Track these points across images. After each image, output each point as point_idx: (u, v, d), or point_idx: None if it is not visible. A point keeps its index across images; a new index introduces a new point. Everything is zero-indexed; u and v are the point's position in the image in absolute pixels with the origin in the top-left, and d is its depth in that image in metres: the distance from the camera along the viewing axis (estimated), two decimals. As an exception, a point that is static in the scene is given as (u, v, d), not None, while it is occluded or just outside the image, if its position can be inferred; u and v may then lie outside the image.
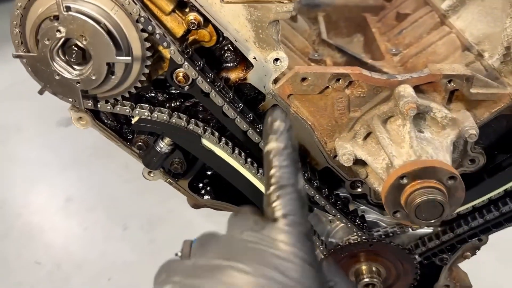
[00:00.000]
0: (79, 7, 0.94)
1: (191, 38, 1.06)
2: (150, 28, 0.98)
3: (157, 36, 0.99)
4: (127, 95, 1.08)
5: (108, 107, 1.10)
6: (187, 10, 1.03)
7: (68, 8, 0.93)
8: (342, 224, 1.32)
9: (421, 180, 1.01)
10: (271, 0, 1.00)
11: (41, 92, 1.04)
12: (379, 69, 1.40)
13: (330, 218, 1.34)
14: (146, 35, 0.99)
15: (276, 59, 1.06)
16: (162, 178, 1.26)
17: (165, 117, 1.11)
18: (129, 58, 0.98)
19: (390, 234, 1.34)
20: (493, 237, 1.38)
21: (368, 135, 1.15)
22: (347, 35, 1.74)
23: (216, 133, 1.16)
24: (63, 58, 0.99)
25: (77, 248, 3.05)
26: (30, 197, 3.42)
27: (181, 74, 1.05)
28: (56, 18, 0.94)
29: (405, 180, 1.02)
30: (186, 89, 1.08)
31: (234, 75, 1.12)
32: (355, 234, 1.31)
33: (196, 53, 1.06)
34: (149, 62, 1.02)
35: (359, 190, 1.26)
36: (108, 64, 0.98)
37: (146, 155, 1.18)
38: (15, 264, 2.93)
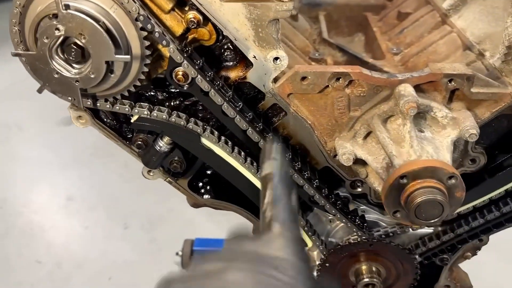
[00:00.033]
0: (78, 6, 0.94)
1: (190, 37, 1.06)
2: (149, 26, 0.98)
3: (156, 34, 0.99)
4: (126, 93, 1.08)
5: (107, 106, 1.10)
6: (186, 8, 1.03)
7: (67, 7, 0.93)
8: (342, 224, 1.32)
9: (421, 180, 1.01)
10: (270, -2, 1.00)
11: (40, 91, 1.04)
12: (380, 68, 1.39)
13: (330, 217, 1.34)
14: (145, 33, 0.99)
15: (276, 58, 1.06)
16: (162, 177, 1.25)
17: (164, 116, 1.11)
18: (128, 56, 0.98)
19: (390, 234, 1.33)
20: (494, 238, 1.38)
21: (368, 134, 1.15)
22: (348, 34, 1.74)
23: (216, 132, 1.15)
24: (62, 56, 0.99)
25: (78, 247, 3.05)
26: (31, 196, 3.41)
27: (180, 73, 1.05)
28: (55, 16, 0.94)
29: (405, 180, 1.02)
30: (185, 88, 1.08)
31: (233, 74, 1.11)
32: (355, 234, 1.31)
33: (196, 52, 1.06)
34: (148, 61, 1.02)
35: (359, 189, 1.26)
36: (107, 62, 0.98)
37: (145, 154, 1.17)
38: (16, 263, 2.92)
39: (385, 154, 1.09)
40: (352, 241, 1.30)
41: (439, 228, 1.36)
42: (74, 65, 1.00)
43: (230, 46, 1.09)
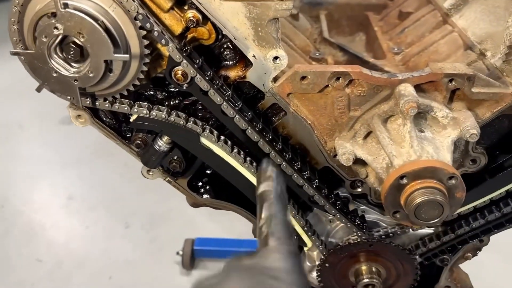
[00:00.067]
0: (76, 4, 0.94)
1: (190, 36, 1.06)
2: (148, 25, 0.97)
3: (156, 33, 0.98)
4: (125, 93, 1.07)
5: (107, 105, 1.09)
6: (186, 7, 1.02)
7: (66, 5, 0.93)
8: (342, 224, 1.31)
9: (421, 180, 1.01)
10: (270, -3, 0.99)
11: (39, 90, 1.04)
12: (381, 68, 1.39)
13: (330, 218, 1.33)
14: (144, 32, 0.98)
15: (276, 57, 1.06)
16: (161, 177, 1.25)
17: (163, 115, 1.10)
18: (127, 55, 0.97)
19: (391, 234, 1.32)
20: (495, 238, 1.37)
21: (368, 134, 1.14)
22: (349, 33, 1.74)
23: (215, 132, 1.15)
24: (60, 55, 0.99)
25: (79, 246, 3.05)
26: (32, 195, 3.42)
27: (179, 72, 1.04)
28: (54, 15, 0.94)
29: (405, 180, 1.02)
30: (184, 87, 1.07)
31: (233, 73, 1.11)
32: (355, 234, 1.30)
33: (195, 51, 1.05)
34: (147, 60, 1.02)
35: (359, 190, 1.25)
36: (105, 61, 0.98)
37: (144, 153, 1.17)
38: (17, 262, 2.93)
39: (385, 154, 1.09)
40: (352, 242, 1.30)
41: (440, 229, 1.35)
42: (72, 64, 1.00)
43: (230, 45, 1.08)
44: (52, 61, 0.99)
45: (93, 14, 0.94)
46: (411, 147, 1.05)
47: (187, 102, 1.16)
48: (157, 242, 3.04)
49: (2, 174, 3.55)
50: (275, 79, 1.09)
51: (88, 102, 1.08)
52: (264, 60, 1.06)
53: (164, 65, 1.06)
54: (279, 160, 1.15)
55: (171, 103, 1.15)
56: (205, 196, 1.29)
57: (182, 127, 1.12)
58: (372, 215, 1.34)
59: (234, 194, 1.26)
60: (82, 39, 0.95)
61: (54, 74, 1.00)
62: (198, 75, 1.04)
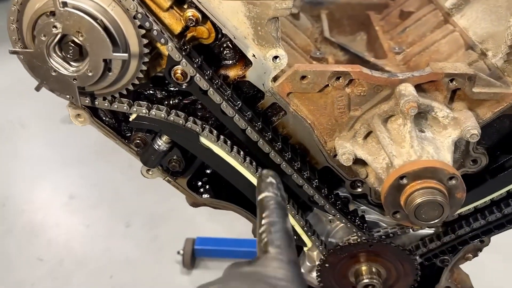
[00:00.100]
0: (75, 3, 0.93)
1: (189, 35, 1.05)
2: (147, 24, 0.97)
3: (155, 32, 0.98)
4: (124, 92, 1.07)
5: (106, 104, 1.09)
6: (185, 6, 1.02)
7: (65, 4, 0.92)
8: (342, 224, 1.31)
9: (421, 181, 1.00)
10: (270, -4, 0.99)
11: (37, 89, 1.04)
12: (382, 68, 1.39)
13: (330, 218, 1.33)
14: (143, 31, 0.98)
15: (276, 57, 1.05)
16: (161, 176, 1.25)
17: (163, 115, 1.10)
18: (126, 54, 0.97)
19: (391, 234, 1.32)
20: (496, 239, 1.36)
21: (368, 134, 1.14)
22: (350, 33, 1.73)
23: (215, 131, 1.14)
24: (59, 54, 0.98)
25: (80, 245, 3.06)
26: (34, 194, 3.43)
27: (179, 71, 1.04)
28: (53, 13, 0.93)
29: (405, 181, 1.01)
30: (184, 87, 1.07)
31: (233, 73, 1.11)
32: (355, 234, 1.30)
33: (195, 50, 1.05)
34: (146, 59, 1.01)
35: (359, 190, 1.25)
36: (104, 60, 0.97)
37: (144, 153, 1.17)
38: (18, 261, 2.94)
39: (385, 154, 1.08)
40: (352, 242, 1.29)
41: (440, 229, 1.35)
42: (71, 63, 0.99)
43: (229, 45, 1.08)
44: (51, 60, 0.98)
45: (92, 13, 0.94)
46: (411, 147, 1.04)
47: (186, 102, 1.15)
48: (158, 241, 3.04)
49: (3, 173, 3.56)
50: (275, 79, 1.09)
51: (87, 101, 1.08)
52: (264, 60, 1.05)
53: (164, 64, 1.06)
54: (279, 159, 1.14)
55: (171, 102, 1.15)
56: (205, 195, 1.29)
57: (182, 127, 1.11)
58: (372, 215, 1.34)
59: (234, 194, 1.25)
60: (81, 38, 0.95)
61: (53, 73, 1.00)
62: (197, 74, 1.03)
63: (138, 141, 1.15)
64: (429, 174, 1.00)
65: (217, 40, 1.07)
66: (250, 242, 2.75)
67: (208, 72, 1.05)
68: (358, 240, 1.29)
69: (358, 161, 1.15)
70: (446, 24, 1.42)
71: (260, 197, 0.80)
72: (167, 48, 1.00)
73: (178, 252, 2.85)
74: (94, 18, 0.94)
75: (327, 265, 1.33)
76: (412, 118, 1.05)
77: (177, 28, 1.03)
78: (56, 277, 2.85)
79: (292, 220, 1.24)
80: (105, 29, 0.95)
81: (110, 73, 1.01)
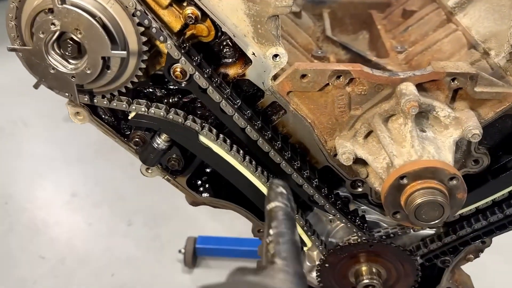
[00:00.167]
0: (74, 0, 0.93)
1: (188, 33, 1.05)
2: (146, 22, 0.96)
3: (154, 30, 0.97)
4: (123, 90, 1.06)
5: (105, 102, 1.08)
6: (184, 4, 1.01)
7: (63, 1, 0.92)
8: (343, 224, 1.30)
9: (421, 181, 0.99)
10: (269, -6, 0.98)
11: (36, 86, 1.03)
12: (383, 67, 1.38)
13: (330, 217, 1.32)
14: (142, 29, 0.97)
15: (275, 55, 1.04)
16: (160, 175, 1.24)
17: (162, 113, 1.10)
18: (125, 52, 0.96)
19: (391, 235, 1.31)
20: (497, 240, 1.35)
21: (369, 133, 1.13)
22: (353, 32, 1.72)
23: (214, 130, 1.14)
24: (58, 51, 0.98)
25: (82, 243, 3.06)
26: (36, 192, 3.43)
27: (178, 70, 1.03)
28: (51, 11, 0.93)
29: (405, 180, 1.00)
30: (183, 85, 1.06)
31: (232, 71, 1.10)
32: (355, 234, 1.29)
33: (194, 48, 1.04)
34: (145, 57, 1.01)
35: (360, 189, 1.24)
36: (103, 58, 0.97)
37: (143, 151, 1.16)
38: (20, 258, 2.94)
39: (386, 154, 1.07)
40: (352, 242, 1.29)
41: (441, 230, 1.34)
42: (70, 60, 0.99)
43: (229, 43, 1.07)
44: (49, 57, 0.98)
45: (91, 10, 0.93)
46: (412, 147, 1.03)
47: (186, 100, 1.15)
48: (159, 240, 3.04)
49: (6, 171, 3.57)
50: (275, 77, 1.08)
51: (86, 99, 1.08)
52: (264, 58, 1.05)
53: (163, 62, 1.05)
54: (279, 159, 1.14)
55: (170, 100, 1.14)
56: (204, 194, 1.28)
57: (181, 125, 1.11)
58: (372, 215, 1.33)
59: (233, 193, 1.25)
60: (79, 36, 0.95)
61: (52, 71, 0.99)
62: (196, 73, 1.03)
63: (137, 139, 1.15)
64: (429, 174, 0.99)
65: (216, 38, 1.07)
66: (251, 241, 2.74)
67: (208, 70, 1.05)
68: (359, 240, 1.29)
69: (359, 161, 1.14)
70: (449, 23, 1.41)
71: (269, 206, 0.80)
72: (166, 46, 0.99)
73: (180, 251, 2.84)
74: (93, 15, 0.93)
75: (327, 265, 1.32)
76: (413, 118, 1.05)
77: (176, 26, 1.02)
78: (58, 275, 2.85)
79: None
80: (104, 26, 0.94)
81: (108, 71, 1.00)
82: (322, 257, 1.32)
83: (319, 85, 1.08)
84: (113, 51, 0.96)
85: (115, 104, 1.09)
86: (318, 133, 1.15)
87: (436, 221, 1.02)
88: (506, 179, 1.19)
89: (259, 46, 1.04)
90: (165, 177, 1.25)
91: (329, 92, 1.10)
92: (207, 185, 1.29)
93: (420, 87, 1.07)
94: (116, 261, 2.91)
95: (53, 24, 0.93)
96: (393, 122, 1.10)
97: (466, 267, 1.45)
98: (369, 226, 1.30)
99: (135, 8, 0.95)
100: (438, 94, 1.09)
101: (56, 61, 0.98)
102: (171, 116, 1.10)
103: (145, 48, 0.99)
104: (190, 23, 1.02)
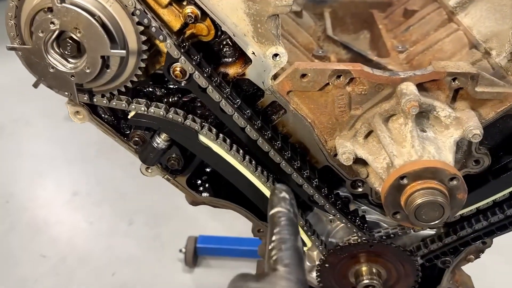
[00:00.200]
0: (73, -1, 0.93)
1: (188, 32, 1.04)
2: (146, 21, 0.96)
3: (153, 29, 0.97)
4: (123, 89, 1.06)
5: (104, 102, 1.08)
6: (184, 3, 1.01)
7: (62, 0, 0.91)
8: (343, 224, 1.30)
9: (421, 181, 0.99)
10: (269, -7, 0.98)
11: (35, 85, 1.03)
12: (384, 67, 1.37)
13: (330, 217, 1.32)
14: (142, 28, 0.97)
15: (276, 55, 1.04)
16: (160, 174, 1.24)
17: (161, 112, 1.09)
18: (124, 51, 0.96)
19: (392, 235, 1.31)
20: (498, 240, 1.35)
21: (369, 133, 1.13)
22: (354, 31, 1.72)
23: (214, 130, 1.13)
24: (57, 50, 0.98)
25: (82, 242, 3.06)
26: (37, 191, 3.43)
27: (178, 69, 1.03)
28: (50, 10, 0.93)
29: (405, 181, 1.00)
30: (183, 84, 1.06)
31: (232, 71, 1.10)
32: (355, 234, 1.29)
33: (194, 48, 1.04)
34: (145, 56, 1.00)
35: (360, 189, 1.23)
36: (102, 57, 0.97)
37: (143, 151, 1.16)
38: (21, 257, 2.94)
39: (386, 154, 1.07)
40: (352, 242, 1.28)
41: (442, 230, 1.34)
42: (69, 59, 0.98)
43: (229, 42, 1.07)
44: (48, 56, 0.97)
45: (90, 9, 0.93)
46: (412, 147, 1.03)
47: (185, 99, 1.14)
48: (160, 239, 3.04)
49: (7, 170, 3.57)
50: (275, 77, 1.08)
51: (85, 98, 1.07)
52: (264, 57, 1.04)
53: (163, 61, 1.05)
54: (278, 158, 1.13)
55: (170, 100, 1.14)
56: (204, 194, 1.28)
57: (180, 125, 1.10)
58: (373, 216, 1.32)
59: (233, 193, 1.25)
60: (78, 35, 0.94)
61: (51, 70, 0.99)
62: (196, 72, 1.02)
63: (136, 138, 1.14)
64: (430, 175, 0.98)
65: (216, 38, 1.06)
66: (252, 241, 2.74)
67: (207, 69, 1.04)
68: (359, 241, 1.28)
69: (359, 161, 1.13)
70: (450, 22, 1.40)
71: (272, 212, 0.80)
72: (166, 45, 0.99)
73: (180, 250, 2.84)
74: (92, 14, 0.93)
75: (327, 265, 1.32)
76: (413, 118, 1.04)
77: (176, 25, 1.02)
78: (59, 273, 2.85)
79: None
80: (103, 25, 0.94)
81: (108, 70, 1.00)
82: (322, 257, 1.31)
83: (319, 85, 1.08)
84: (112, 50, 0.96)
85: (114, 103, 1.09)
86: (318, 132, 1.15)
87: (436, 222, 1.01)
88: (507, 180, 1.19)
89: (259, 46, 1.03)
90: (165, 177, 1.24)
91: (329, 92, 1.10)
92: (207, 185, 1.28)
93: (420, 87, 1.06)
94: (117, 260, 2.91)
95: (52, 23, 0.93)
96: (393, 122, 1.10)
97: (467, 268, 1.44)
98: (369, 226, 1.30)
99: (135, 7, 0.95)
100: (439, 94, 1.09)
101: (55, 60, 0.98)
102: (170, 116, 1.10)
103: (144, 47, 0.99)
104: (190, 22, 1.01)
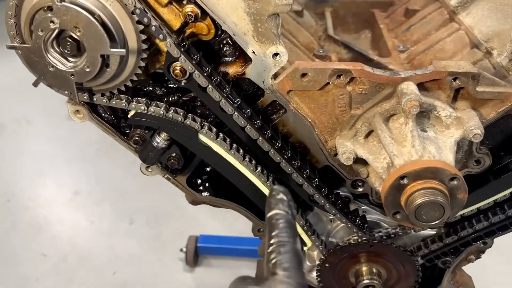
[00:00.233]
0: (73, -2, 0.93)
1: (188, 31, 1.04)
2: (145, 20, 0.96)
3: (153, 28, 0.97)
4: (123, 88, 1.06)
5: (104, 101, 1.08)
6: (184, 2, 1.00)
7: (62, -1, 0.91)
8: (343, 224, 1.29)
9: (422, 181, 0.98)
10: (270, -8, 0.97)
11: (35, 84, 1.03)
12: (385, 66, 1.37)
13: (330, 217, 1.31)
14: (141, 27, 0.97)
15: (276, 54, 1.04)
16: (160, 174, 1.24)
17: (161, 112, 1.09)
18: (124, 50, 0.96)
19: (392, 235, 1.30)
20: (499, 240, 1.34)
21: (369, 133, 1.12)
22: (355, 31, 1.71)
23: (214, 129, 1.13)
24: (57, 49, 0.97)
25: (83, 241, 3.06)
26: (38, 190, 3.44)
27: (178, 68, 1.03)
28: (50, 8, 0.92)
29: (405, 181, 1.00)
30: (183, 83, 1.06)
31: (232, 70, 1.09)
32: (355, 234, 1.28)
33: (194, 47, 1.04)
34: (145, 55, 1.00)
35: (360, 189, 1.23)
36: (102, 56, 0.96)
37: (142, 150, 1.16)
38: (22, 256, 2.95)
39: (386, 154, 1.07)
40: (353, 242, 1.28)
41: (442, 230, 1.33)
42: (69, 58, 0.98)
43: (229, 41, 1.06)
44: (48, 55, 0.97)
45: (90, 8, 0.93)
46: (412, 146, 1.03)
47: (185, 99, 1.14)
48: (161, 239, 3.04)
49: (8, 169, 3.57)
50: (275, 76, 1.07)
51: (85, 97, 1.07)
52: (264, 57, 1.04)
53: (163, 60, 1.05)
54: (279, 158, 1.13)
55: (170, 99, 1.14)
56: (204, 193, 1.28)
57: (180, 124, 1.10)
58: (373, 215, 1.32)
59: (233, 192, 1.24)
60: (78, 34, 0.94)
61: (51, 69, 0.99)
62: (196, 71, 1.02)
63: (136, 138, 1.14)
64: (430, 175, 0.98)
65: (216, 37, 1.06)
66: (253, 240, 2.74)
67: (207, 69, 1.04)
68: (359, 240, 1.28)
69: (359, 161, 1.13)
70: (452, 22, 1.40)
71: (270, 214, 0.79)
72: (166, 44, 0.99)
73: (181, 250, 2.84)
74: (92, 13, 0.93)
75: (327, 265, 1.32)
76: (414, 117, 1.04)
77: (176, 24, 1.02)
78: (60, 273, 2.85)
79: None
80: (103, 24, 0.94)
81: (108, 69, 1.00)
82: (322, 257, 1.31)
83: (320, 84, 1.08)
84: (112, 49, 0.95)
85: (114, 102, 1.09)
86: (319, 132, 1.14)
87: (437, 222, 1.01)
88: (508, 180, 1.18)
89: (259, 45, 1.03)
90: (165, 176, 1.24)
91: (329, 91, 1.09)
92: (207, 184, 1.28)
93: (421, 86, 1.06)
94: (118, 259, 2.91)
95: (52, 22, 0.93)
96: (394, 122, 1.09)
97: (467, 268, 1.44)
98: (369, 226, 1.29)
99: (135, 6, 0.94)
100: (440, 94, 1.08)
101: (55, 59, 0.98)
102: (170, 115, 1.10)
103: (144, 46, 0.99)
104: (190, 21, 1.01)
